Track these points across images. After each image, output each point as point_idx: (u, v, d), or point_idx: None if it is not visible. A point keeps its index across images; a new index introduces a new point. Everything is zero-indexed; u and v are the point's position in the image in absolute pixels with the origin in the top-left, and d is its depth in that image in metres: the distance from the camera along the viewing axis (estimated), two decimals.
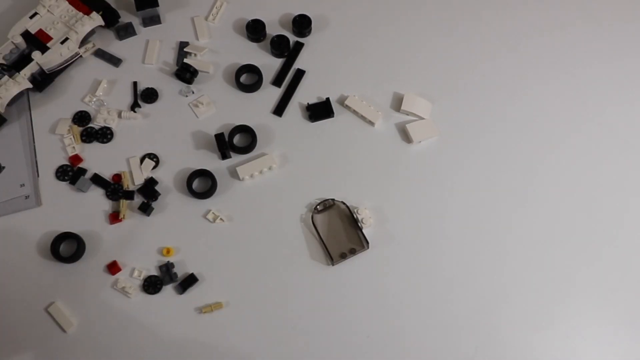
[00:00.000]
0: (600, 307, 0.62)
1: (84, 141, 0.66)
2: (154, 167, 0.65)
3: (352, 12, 0.73)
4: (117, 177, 0.64)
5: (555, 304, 0.62)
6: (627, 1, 0.74)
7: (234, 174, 0.65)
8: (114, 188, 0.63)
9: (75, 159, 0.64)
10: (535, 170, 0.67)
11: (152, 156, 0.65)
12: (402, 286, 0.62)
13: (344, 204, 0.63)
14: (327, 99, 0.68)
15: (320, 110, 0.67)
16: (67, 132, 0.66)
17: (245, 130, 0.66)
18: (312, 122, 0.67)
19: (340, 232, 0.63)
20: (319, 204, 0.62)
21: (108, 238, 0.62)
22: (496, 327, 0.61)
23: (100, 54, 0.69)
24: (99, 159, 0.65)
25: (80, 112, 0.66)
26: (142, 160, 0.65)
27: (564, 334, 0.61)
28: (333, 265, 0.61)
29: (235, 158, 0.66)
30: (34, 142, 0.65)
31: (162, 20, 0.71)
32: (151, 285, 0.60)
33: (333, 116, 0.67)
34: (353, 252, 0.61)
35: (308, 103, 0.68)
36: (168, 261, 0.61)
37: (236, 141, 0.66)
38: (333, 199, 0.63)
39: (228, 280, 0.62)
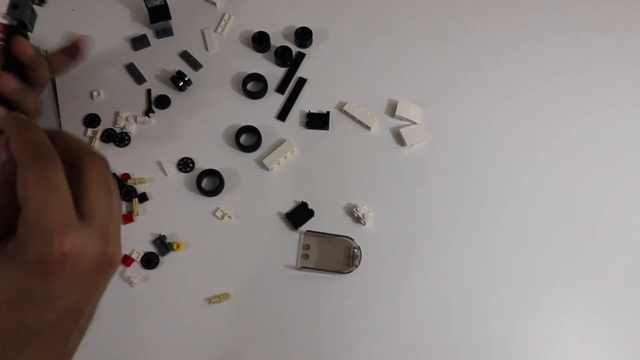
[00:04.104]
0: (579, 298, 0.64)
1: (103, 141, 0.68)
2: (189, 171, 0.67)
3: (350, 25, 0.74)
4: (126, 176, 0.66)
5: (537, 296, 0.64)
6: (605, 15, 0.76)
7: (240, 171, 0.67)
8: (127, 190, 0.65)
9: None
10: (520, 170, 0.68)
11: (189, 160, 0.67)
12: (392, 278, 0.64)
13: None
14: (327, 112, 0.69)
15: (317, 121, 0.69)
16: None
17: (251, 131, 0.68)
18: (308, 129, 0.69)
19: (333, 253, 0.64)
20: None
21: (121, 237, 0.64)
22: (482, 317, 0.63)
23: (131, 69, 0.71)
24: (113, 161, 0.66)
25: (91, 114, 0.68)
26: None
27: (545, 323, 0.63)
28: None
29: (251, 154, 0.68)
30: None
31: (174, 32, 0.73)
32: (149, 261, 0.63)
33: (328, 129, 0.69)
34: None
35: (309, 111, 0.70)
36: (160, 234, 0.64)
37: (243, 140, 0.68)
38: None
39: (234, 273, 0.63)
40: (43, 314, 0.34)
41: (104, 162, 0.39)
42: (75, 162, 0.37)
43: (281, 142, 0.68)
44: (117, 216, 0.38)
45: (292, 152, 0.68)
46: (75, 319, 0.36)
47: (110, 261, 0.36)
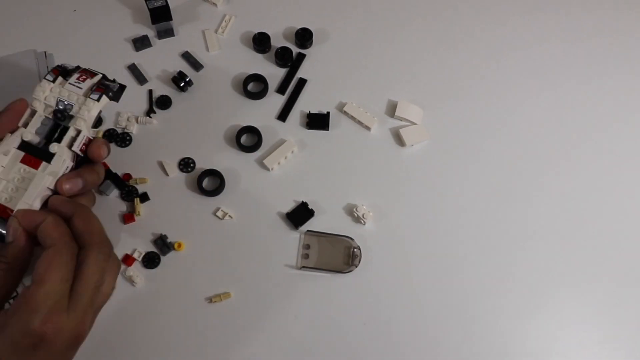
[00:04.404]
0: (580, 297, 0.64)
1: None
2: (190, 171, 0.67)
3: (351, 27, 0.75)
4: (127, 176, 0.67)
5: (538, 295, 0.64)
6: (605, 19, 0.77)
7: (240, 170, 0.68)
8: (129, 190, 0.66)
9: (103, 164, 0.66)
10: (519, 170, 0.69)
11: (190, 160, 0.67)
12: (392, 277, 0.64)
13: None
14: (328, 113, 0.70)
15: (318, 121, 0.69)
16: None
17: (252, 131, 0.68)
18: (308, 129, 0.69)
19: (333, 253, 0.64)
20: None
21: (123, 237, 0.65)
22: (481, 316, 0.63)
23: (132, 69, 0.72)
24: (114, 161, 0.67)
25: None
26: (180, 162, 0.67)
27: (546, 322, 0.63)
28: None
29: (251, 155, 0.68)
30: None
31: (175, 33, 0.73)
32: (150, 260, 0.63)
33: (328, 129, 0.69)
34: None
35: (309, 111, 0.70)
36: (161, 233, 0.64)
37: (243, 140, 0.68)
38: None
39: (235, 272, 0.64)
40: None
41: (106, 253, 0.46)
42: (84, 246, 0.44)
43: (281, 142, 0.68)
44: (102, 296, 0.46)
45: (292, 152, 0.68)
46: None
47: (79, 339, 0.44)
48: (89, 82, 0.55)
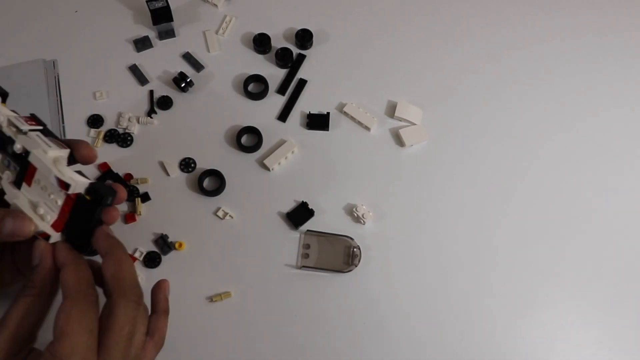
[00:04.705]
0: (577, 296, 0.65)
1: (105, 141, 0.68)
2: (191, 171, 0.67)
3: (350, 28, 0.75)
4: (128, 176, 0.67)
5: (536, 294, 0.64)
6: (603, 18, 0.77)
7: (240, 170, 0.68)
8: (130, 189, 0.66)
9: (104, 166, 0.67)
10: (517, 170, 0.69)
11: (191, 160, 0.68)
12: (391, 276, 0.64)
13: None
14: (328, 113, 0.70)
15: (318, 121, 0.69)
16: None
17: (252, 131, 0.69)
18: (308, 130, 0.70)
19: (333, 253, 0.65)
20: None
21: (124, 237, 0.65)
22: (480, 315, 0.63)
23: (134, 70, 0.72)
24: (115, 161, 0.67)
25: (94, 115, 0.69)
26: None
27: (544, 320, 0.63)
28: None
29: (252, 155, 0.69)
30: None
31: (176, 33, 0.74)
32: (151, 260, 0.64)
33: (328, 129, 0.70)
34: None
35: (310, 112, 0.71)
36: (162, 233, 0.64)
37: (244, 141, 0.69)
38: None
39: (235, 272, 0.64)
40: None
41: (136, 301, 0.42)
42: (112, 294, 0.41)
43: (282, 142, 0.69)
44: (135, 348, 0.41)
45: (293, 152, 0.68)
46: None
47: None
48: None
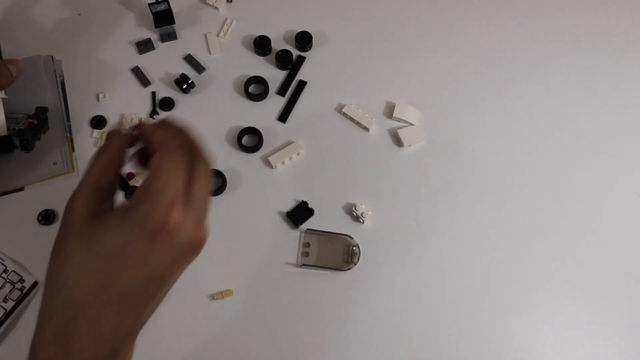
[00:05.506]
0: (572, 294, 0.65)
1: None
2: None
3: (350, 30, 0.76)
4: (130, 176, 0.67)
5: (532, 292, 0.65)
6: (598, 20, 0.78)
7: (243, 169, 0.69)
8: (133, 189, 0.66)
9: None
10: (514, 170, 0.70)
11: None
12: (390, 274, 0.65)
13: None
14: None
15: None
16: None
17: (253, 132, 0.69)
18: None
19: (332, 251, 0.65)
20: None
21: None
22: (477, 313, 0.64)
23: (136, 72, 0.73)
24: None
25: (97, 116, 0.70)
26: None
27: (539, 318, 0.64)
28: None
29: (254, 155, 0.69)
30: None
31: (178, 36, 0.75)
32: None
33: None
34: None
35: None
36: None
37: (245, 141, 0.69)
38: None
39: (236, 270, 0.64)
40: (135, 276, 0.37)
41: (210, 160, 0.43)
42: (192, 154, 0.41)
43: (289, 142, 0.69)
44: (209, 206, 0.43)
45: (299, 154, 0.69)
46: (157, 289, 0.40)
47: (199, 243, 0.41)
48: None
